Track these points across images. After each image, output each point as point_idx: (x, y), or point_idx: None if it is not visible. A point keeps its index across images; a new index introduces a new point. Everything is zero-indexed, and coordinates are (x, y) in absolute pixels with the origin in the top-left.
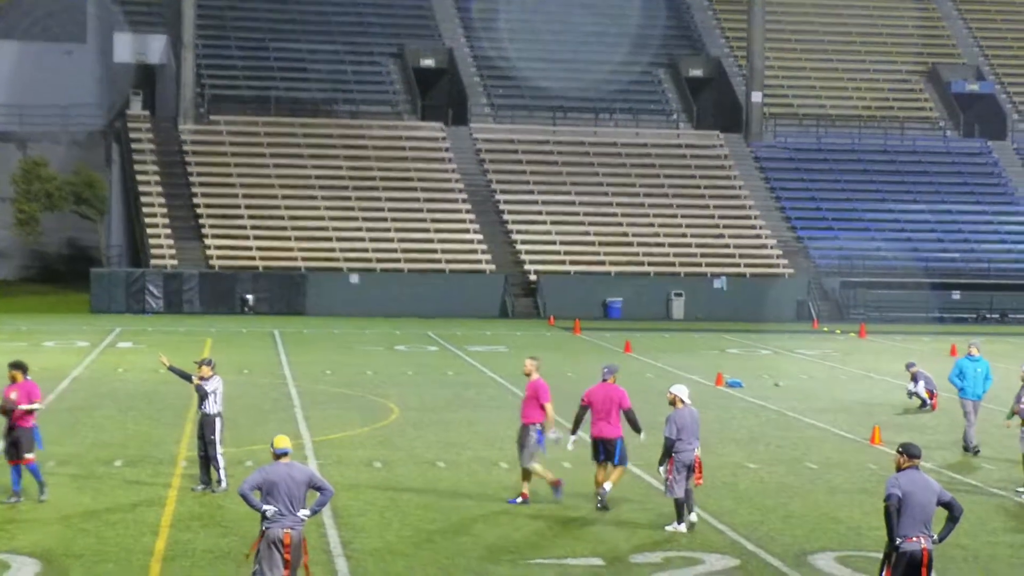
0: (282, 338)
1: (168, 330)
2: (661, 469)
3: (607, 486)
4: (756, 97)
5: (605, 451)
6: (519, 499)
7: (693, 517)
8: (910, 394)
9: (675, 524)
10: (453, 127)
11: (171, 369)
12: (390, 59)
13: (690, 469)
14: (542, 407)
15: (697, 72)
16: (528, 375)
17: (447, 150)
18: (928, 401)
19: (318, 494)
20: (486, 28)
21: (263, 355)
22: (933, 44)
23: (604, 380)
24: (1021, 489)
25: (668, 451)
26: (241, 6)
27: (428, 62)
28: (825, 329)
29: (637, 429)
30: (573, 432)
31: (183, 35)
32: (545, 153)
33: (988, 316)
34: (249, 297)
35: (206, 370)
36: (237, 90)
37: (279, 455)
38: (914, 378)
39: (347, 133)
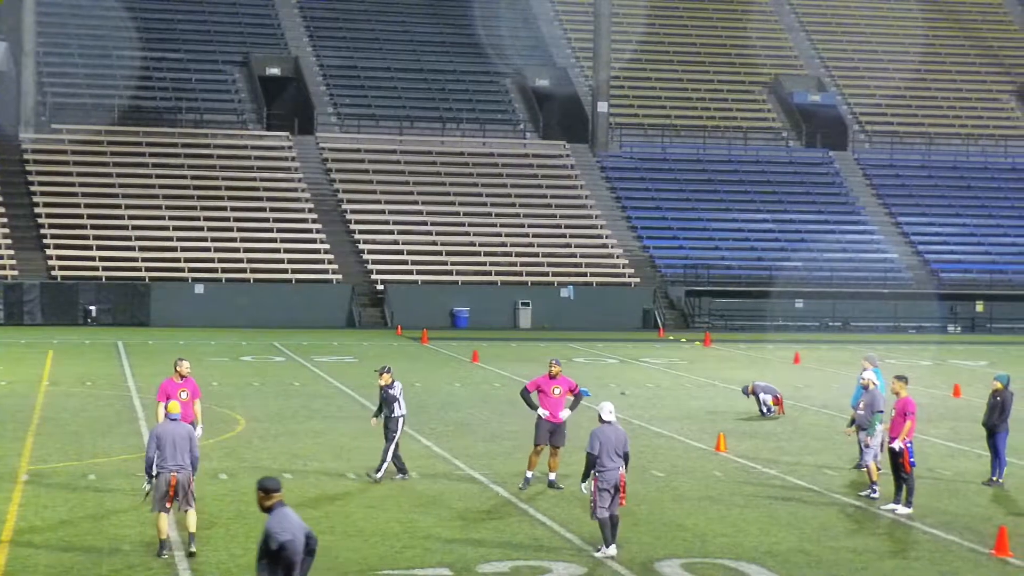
0: (126, 349)
1: (8, 342)
2: (584, 487)
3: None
4: (602, 107)
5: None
6: None
7: (612, 551)
8: (765, 407)
9: (603, 548)
10: (299, 136)
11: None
12: (235, 67)
13: (616, 489)
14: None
15: (544, 82)
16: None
17: (293, 159)
18: (772, 408)
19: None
20: (332, 37)
21: (106, 367)
22: (776, 55)
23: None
24: (863, 493)
25: (589, 467)
26: (83, 13)
27: (274, 71)
28: (671, 338)
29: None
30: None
31: (23, 42)
32: (392, 163)
33: (831, 324)
34: (92, 308)
35: (387, 377)
36: (79, 98)
37: (171, 419)
38: (754, 394)
39: (191, 142)
